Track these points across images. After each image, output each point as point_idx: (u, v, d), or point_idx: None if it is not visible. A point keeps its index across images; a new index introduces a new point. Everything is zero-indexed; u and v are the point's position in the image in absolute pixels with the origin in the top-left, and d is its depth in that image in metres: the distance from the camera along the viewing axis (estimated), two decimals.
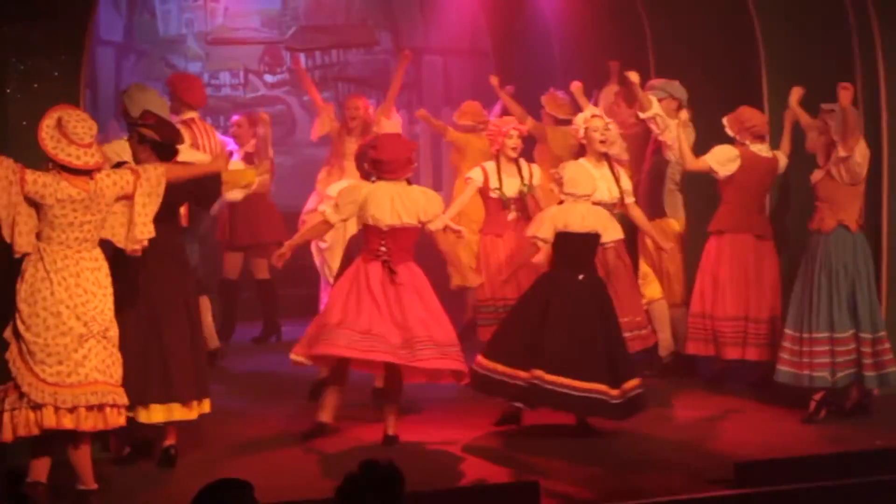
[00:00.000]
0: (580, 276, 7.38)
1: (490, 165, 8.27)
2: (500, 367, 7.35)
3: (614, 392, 7.22)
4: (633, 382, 7.33)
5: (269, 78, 11.87)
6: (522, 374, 7.27)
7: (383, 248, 7.12)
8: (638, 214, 8.26)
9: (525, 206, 8.26)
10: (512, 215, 8.26)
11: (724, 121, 8.38)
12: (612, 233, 7.50)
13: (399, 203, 7.11)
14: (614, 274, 7.81)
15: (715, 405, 8.16)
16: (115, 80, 11.27)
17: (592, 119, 8.19)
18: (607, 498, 6.39)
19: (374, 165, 7.21)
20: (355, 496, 4.01)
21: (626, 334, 7.84)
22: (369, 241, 7.18)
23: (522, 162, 8.32)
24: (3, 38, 6.86)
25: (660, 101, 8.74)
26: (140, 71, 11.42)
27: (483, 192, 8.29)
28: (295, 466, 6.90)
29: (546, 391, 7.18)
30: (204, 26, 11.66)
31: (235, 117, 10.10)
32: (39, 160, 6.10)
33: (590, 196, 7.50)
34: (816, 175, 7.77)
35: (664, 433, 7.57)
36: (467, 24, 11.79)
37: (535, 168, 8.38)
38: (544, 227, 7.42)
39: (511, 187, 8.23)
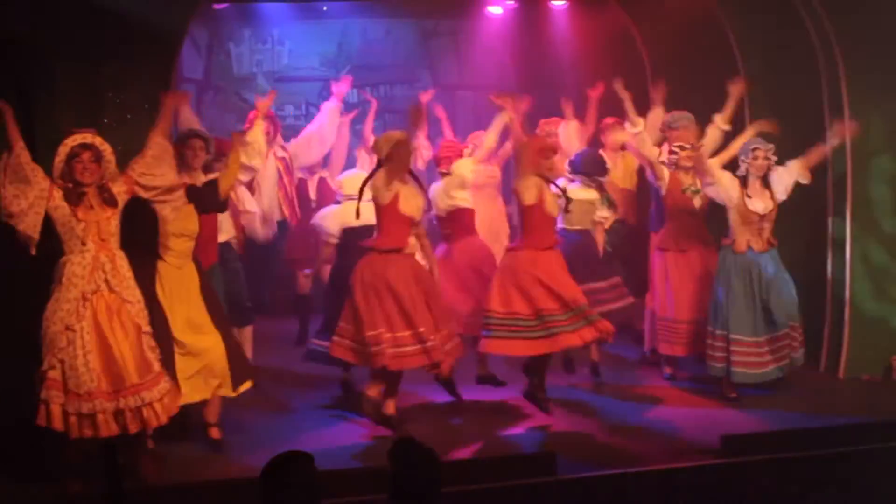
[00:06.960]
0: None
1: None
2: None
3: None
4: None
5: None
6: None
7: None
8: None
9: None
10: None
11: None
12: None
13: None
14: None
15: (702, 390, 8.08)
16: (196, 112, 11.49)
17: None
18: (606, 465, 6.45)
19: None
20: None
21: None
22: None
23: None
24: (102, 76, 7.00)
25: (684, 129, 8.24)
26: (217, 104, 11.62)
27: None
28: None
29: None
30: (271, 66, 11.83)
31: None
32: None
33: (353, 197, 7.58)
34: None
35: (659, 410, 7.62)
36: (494, 63, 11.93)
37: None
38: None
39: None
